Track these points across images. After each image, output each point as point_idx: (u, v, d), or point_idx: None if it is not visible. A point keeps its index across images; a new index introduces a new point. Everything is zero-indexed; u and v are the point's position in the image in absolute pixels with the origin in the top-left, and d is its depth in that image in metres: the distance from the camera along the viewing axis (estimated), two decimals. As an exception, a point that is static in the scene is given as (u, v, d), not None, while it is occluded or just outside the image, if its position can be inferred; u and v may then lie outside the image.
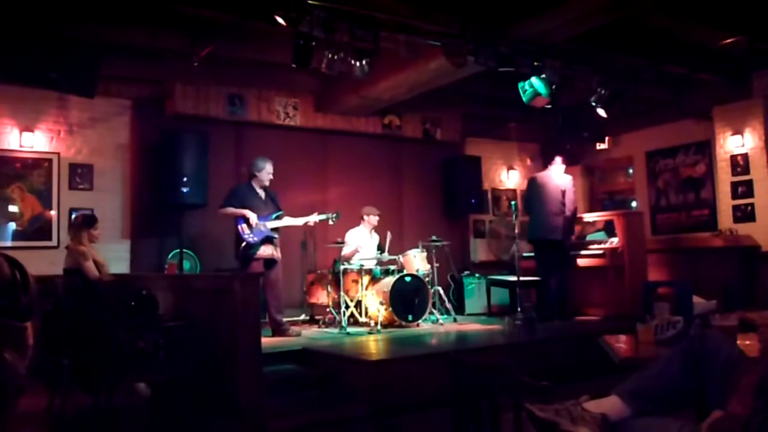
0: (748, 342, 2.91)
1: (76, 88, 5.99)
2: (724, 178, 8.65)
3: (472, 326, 7.41)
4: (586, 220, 8.56)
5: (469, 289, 8.92)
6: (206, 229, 7.59)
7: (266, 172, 6.68)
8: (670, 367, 2.14)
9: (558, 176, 7.77)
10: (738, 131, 8.49)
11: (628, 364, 2.86)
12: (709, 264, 8.14)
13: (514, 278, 7.35)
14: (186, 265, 7.32)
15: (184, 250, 7.33)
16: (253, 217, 6.47)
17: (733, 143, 8.53)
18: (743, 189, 8.44)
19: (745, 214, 8.39)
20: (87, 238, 5.47)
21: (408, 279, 7.21)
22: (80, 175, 7.24)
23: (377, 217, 7.83)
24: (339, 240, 7.43)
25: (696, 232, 9.01)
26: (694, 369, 2.09)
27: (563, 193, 7.60)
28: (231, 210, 6.52)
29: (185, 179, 7.11)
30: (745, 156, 8.42)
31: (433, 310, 7.54)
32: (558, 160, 7.83)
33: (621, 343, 3.41)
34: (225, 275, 5.90)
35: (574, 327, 7.27)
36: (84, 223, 5.54)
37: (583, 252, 8.10)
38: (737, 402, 1.73)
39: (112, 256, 6.75)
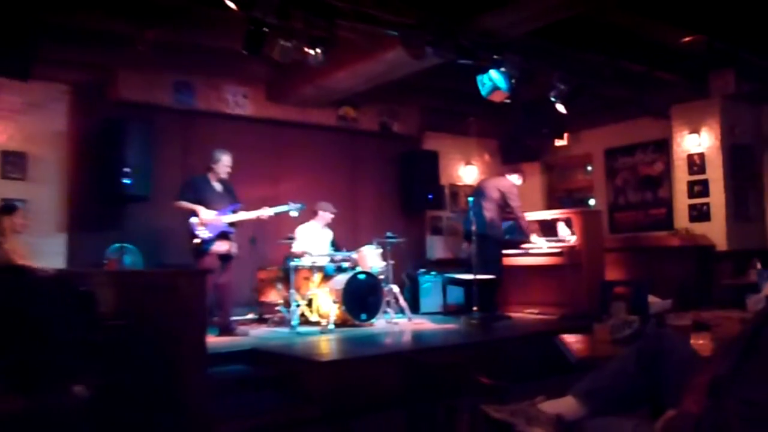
0: (701, 341, 3.00)
1: (8, 70, 5.77)
2: (681, 177, 8.91)
3: (427, 325, 7.45)
4: (544, 217, 8.71)
5: (425, 288, 8.96)
6: (150, 222, 7.44)
7: (223, 164, 6.60)
8: (626, 367, 2.20)
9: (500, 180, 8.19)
10: (695, 130, 8.76)
11: (584, 363, 2.92)
12: (665, 263, 8.38)
13: (470, 276, 7.40)
14: (127, 260, 7.16)
15: (126, 245, 7.16)
16: (204, 214, 6.37)
17: (690, 142, 8.80)
18: (699, 188, 8.72)
19: (700, 214, 8.68)
20: (9, 229, 5.28)
21: (362, 277, 7.20)
22: (12, 163, 7.02)
23: (332, 215, 7.82)
24: (290, 236, 7.38)
25: (653, 230, 9.26)
26: (649, 368, 2.15)
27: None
28: (185, 205, 6.43)
29: (128, 170, 6.97)
30: (701, 155, 8.70)
31: (388, 309, 7.56)
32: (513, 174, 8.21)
33: (577, 342, 3.47)
34: (169, 271, 5.79)
35: (532, 326, 7.39)
36: (2, 212, 5.35)
37: (540, 250, 8.23)
38: (690, 401, 1.79)
39: (47, 250, 6.58)
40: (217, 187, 6.64)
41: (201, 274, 4.84)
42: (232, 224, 6.60)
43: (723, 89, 8.28)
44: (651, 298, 5.28)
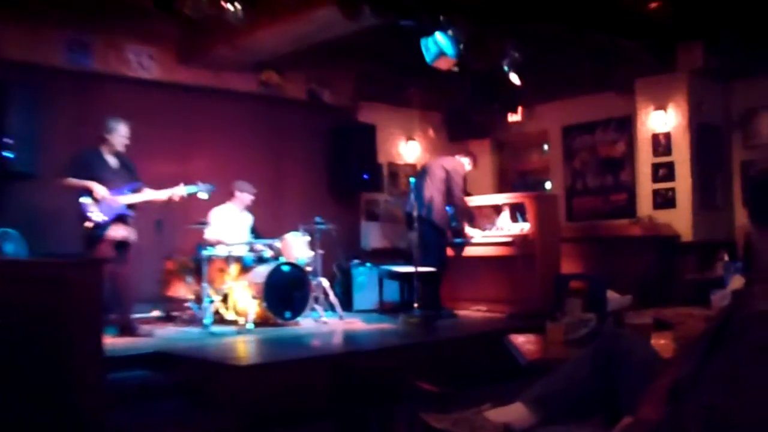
0: (662, 341, 3.13)
1: None
2: (645, 159, 9.19)
3: (361, 325, 7.49)
4: (493, 202, 8.85)
5: (359, 282, 8.98)
6: (36, 203, 7.22)
7: (119, 134, 6.46)
8: (580, 370, 2.27)
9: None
10: (661, 107, 9.03)
11: (535, 366, 3.00)
12: (625, 255, 8.61)
13: (411, 269, 7.46)
14: (8, 248, 6.92)
15: (7, 230, 6.92)
16: (100, 190, 6.23)
17: (655, 120, 9.08)
18: (664, 171, 8.99)
19: (665, 200, 8.97)
20: None
21: (286, 269, 7.20)
22: None
23: (252, 197, 7.79)
24: (202, 220, 7.28)
25: (614, 218, 9.53)
26: (605, 371, 2.23)
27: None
28: (74, 181, 6.27)
29: (9, 141, 6.75)
30: (667, 135, 8.97)
31: (316, 306, 7.59)
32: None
33: (528, 343, 3.56)
34: (59, 261, 5.64)
35: (478, 325, 7.52)
36: None
37: (487, 240, 8.39)
38: (648, 407, 1.85)
39: None
40: (112, 162, 6.51)
41: (95, 265, 4.75)
42: (131, 206, 6.48)
43: (691, 63, 8.61)
44: (609, 294, 5.46)
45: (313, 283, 7.54)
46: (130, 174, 6.58)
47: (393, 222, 10.20)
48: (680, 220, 8.84)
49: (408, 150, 10.81)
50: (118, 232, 6.37)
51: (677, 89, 8.90)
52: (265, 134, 9.25)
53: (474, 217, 8.57)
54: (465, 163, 8.32)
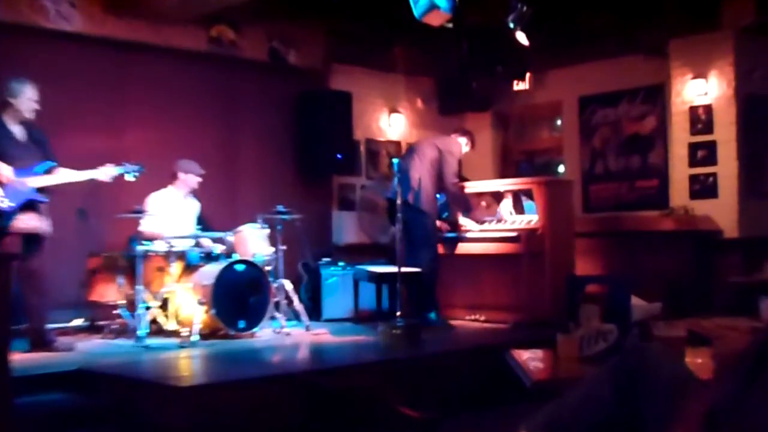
0: (699, 360, 3.13)
1: None
2: (680, 138, 9.16)
3: (331, 337, 7.47)
4: (494, 188, 8.81)
5: (330, 284, 8.90)
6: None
7: (27, 98, 6.35)
8: (599, 392, 2.26)
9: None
10: (700, 74, 8.98)
11: (543, 387, 2.99)
12: (655, 253, 8.58)
13: (393, 269, 7.41)
14: None
15: None
16: (2, 169, 6.15)
17: (693, 90, 9.04)
18: (704, 153, 8.96)
19: (704, 187, 8.94)
20: None
21: (240, 268, 7.17)
22: None
23: (199, 179, 7.73)
24: (137, 208, 7.21)
25: (641, 209, 9.50)
26: (628, 393, 2.22)
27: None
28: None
29: None
30: (708, 108, 8.94)
31: (277, 314, 7.53)
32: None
33: (536, 359, 3.55)
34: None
35: (474, 338, 7.52)
36: None
37: (486, 234, 8.38)
38: (680, 436, 1.85)
39: None
40: (19, 133, 6.41)
41: (3, 263, 4.67)
42: (42, 190, 6.40)
43: (739, 19, 8.54)
44: (634, 300, 5.43)
45: (274, 286, 7.48)
46: (41, 150, 6.47)
47: (372, 212, 10.10)
48: (722, 211, 8.81)
49: (391, 124, 10.72)
50: (27, 222, 6.28)
51: (721, 52, 8.84)
52: (216, 103, 9.17)
53: (470, 205, 8.55)
54: (462, 143, 8.37)
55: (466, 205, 8.49)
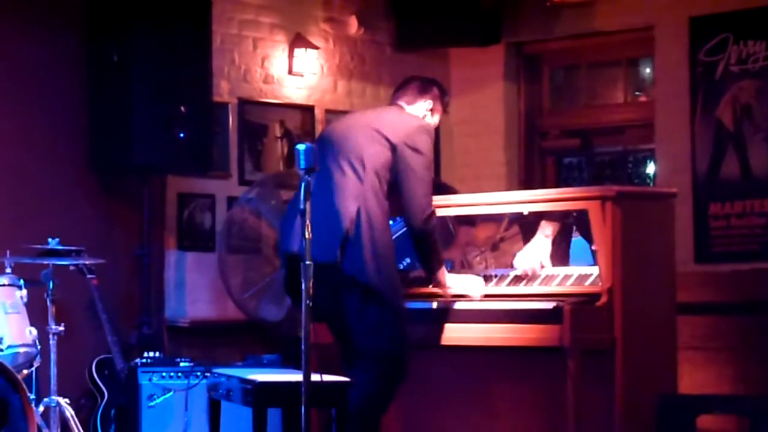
0: None
1: None
2: None
3: None
4: (508, 209, 6.30)
5: (156, 408, 6.74)
6: None
7: None
8: None
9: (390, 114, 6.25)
10: None
11: None
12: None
13: (295, 375, 5.57)
14: None
15: None
16: None
17: None
18: None
19: None
20: None
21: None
22: None
23: None
24: None
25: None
26: None
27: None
28: None
29: None
30: None
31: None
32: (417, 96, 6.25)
33: None
34: None
35: None
36: None
37: (488, 305, 5.96)
38: None
39: None
40: None
41: None
42: None
43: None
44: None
45: (35, 409, 5.87)
46: None
47: (250, 252, 7.44)
48: None
49: (294, 71, 7.79)
50: None
51: None
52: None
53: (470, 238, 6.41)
54: (421, 109, 6.09)
55: (448, 238, 6.29)
